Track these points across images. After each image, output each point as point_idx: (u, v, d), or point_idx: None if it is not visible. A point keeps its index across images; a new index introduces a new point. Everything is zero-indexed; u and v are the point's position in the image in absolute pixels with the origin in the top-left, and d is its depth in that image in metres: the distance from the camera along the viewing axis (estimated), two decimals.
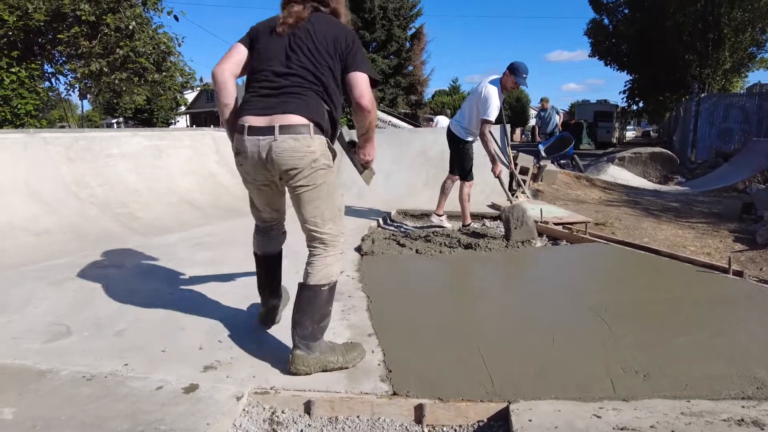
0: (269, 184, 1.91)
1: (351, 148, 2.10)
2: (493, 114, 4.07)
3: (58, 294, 2.61)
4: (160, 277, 2.92)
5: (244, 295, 2.58)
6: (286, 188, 1.91)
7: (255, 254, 2.27)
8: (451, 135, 4.46)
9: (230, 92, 1.88)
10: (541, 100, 11.38)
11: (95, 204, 4.19)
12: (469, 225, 4.42)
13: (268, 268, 2.28)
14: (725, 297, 2.62)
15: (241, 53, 1.90)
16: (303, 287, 1.85)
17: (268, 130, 1.71)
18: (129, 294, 2.59)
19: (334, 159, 1.87)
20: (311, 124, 1.74)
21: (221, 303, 2.52)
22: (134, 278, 2.90)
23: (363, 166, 2.08)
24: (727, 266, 2.96)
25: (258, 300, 2.29)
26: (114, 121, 43.06)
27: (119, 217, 4.19)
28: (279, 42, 1.83)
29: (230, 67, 1.88)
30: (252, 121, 1.74)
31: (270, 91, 1.78)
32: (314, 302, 1.81)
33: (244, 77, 1.92)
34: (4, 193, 3.69)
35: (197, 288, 2.73)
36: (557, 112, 11.41)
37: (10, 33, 7.47)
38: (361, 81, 1.80)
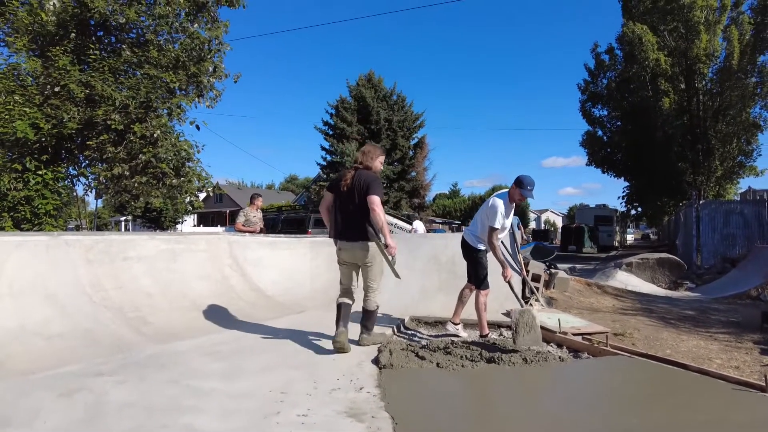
0: (351, 266, 3.98)
1: (384, 247, 3.73)
2: (498, 222, 4.22)
3: (67, 407, 2.48)
4: (173, 391, 2.79)
5: (263, 413, 2.45)
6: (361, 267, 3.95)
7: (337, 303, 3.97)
8: (464, 243, 4.56)
9: (327, 219, 4.08)
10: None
11: (108, 307, 4.15)
12: (487, 335, 4.32)
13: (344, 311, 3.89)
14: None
15: (328, 198, 4.01)
16: (366, 310, 4.02)
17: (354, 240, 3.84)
18: (141, 410, 2.47)
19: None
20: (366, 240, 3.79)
21: (236, 421, 2.38)
22: (146, 391, 2.77)
23: (392, 257, 3.79)
24: (764, 384, 2.84)
25: None
26: (123, 219, 44.07)
27: (131, 321, 4.13)
28: (344, 194, 3.82)
29: (325, 205, 4.03)
30: (343, 236, 3.86)
31: (345, 221, 3.86)
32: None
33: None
34: (21, 295, 3.67)
35: (213, 405, 2.60)
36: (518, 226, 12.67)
37: (44, 139, 7.93)
38: (373, 198, 3.67)
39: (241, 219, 8.29)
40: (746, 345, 4.60)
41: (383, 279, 4.09)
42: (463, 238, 4.60)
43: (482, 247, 4.44)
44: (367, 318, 4.02)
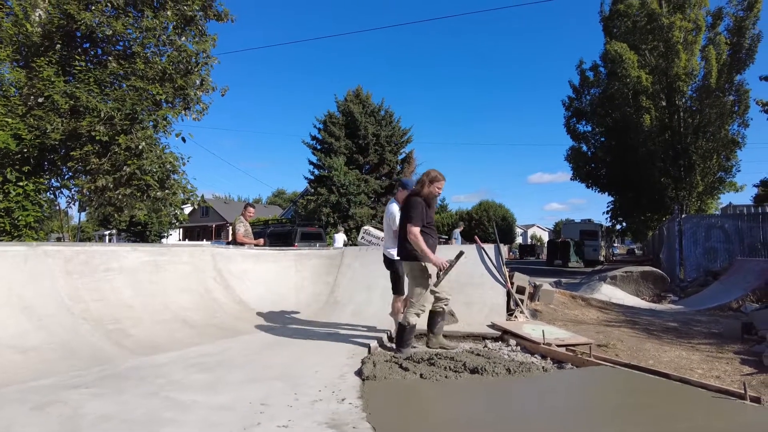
0: None
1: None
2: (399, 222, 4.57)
3: (41, 420, 2.42)
4: (153, 403, 2.74)
5: (243, 425, 2.41)
6: None
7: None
8: (384, 260, 4.86)
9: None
10: (459, 223, 13.87)
11: (87, 319, 4.07)
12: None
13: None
14: (748, 425, 2.50)
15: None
16: (432, 312, 4.28)
17: None
18: (119, 423, 2.41)
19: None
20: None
21: None
22: (125, 404, 2.71)
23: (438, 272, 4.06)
24: (743, 392, 2.87)
25: None
26: (107, 233, 43.45)
27: (111, 333, 4.05)
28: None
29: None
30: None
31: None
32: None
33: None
34: None
35: (192, 417, 2.55)
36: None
37: (25, 150, 7.82)
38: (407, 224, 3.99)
39: (241, 229, 7.59)
40: (727, 355, 4.65)
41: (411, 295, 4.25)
42: (383, 255, 4.88)
43: (397, 256, 4.64)
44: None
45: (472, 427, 2.61)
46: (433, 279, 4.09)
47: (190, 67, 9.38)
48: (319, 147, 28.06)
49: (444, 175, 4.24)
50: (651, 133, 20.32)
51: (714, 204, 23.78)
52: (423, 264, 4.05)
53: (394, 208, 4.71)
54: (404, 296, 4.73)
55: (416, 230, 3.95)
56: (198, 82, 9.61)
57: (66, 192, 9.43)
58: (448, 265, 4.03)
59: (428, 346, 4.32)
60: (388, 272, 5.04)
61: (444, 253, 4.41)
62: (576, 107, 25.85)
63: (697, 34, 19.89)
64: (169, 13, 9.00)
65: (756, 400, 2.84)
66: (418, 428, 2.55)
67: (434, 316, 4.31)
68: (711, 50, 19.39)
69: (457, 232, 16.29)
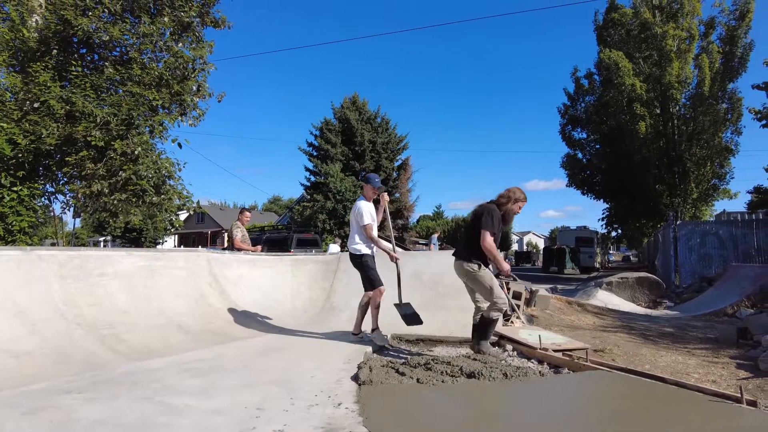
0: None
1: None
2: (368, 218, 4.75)
3: (32, 425, 2.39)
4: (147, 408, 2.71)
5: (238, 429, 2.39)
6: None
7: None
8: (351, 257, 4.92)
9: None
10: (436, 228, 15.41)
11: (81, 324, 4.04)
12: (360, 335, 4.85)
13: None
14: (744, 428, 2.50)
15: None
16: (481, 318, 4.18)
17: None
18: (112, 428, 2.38)
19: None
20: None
21: None
22: (118, 409, 2.68)
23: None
24: (740, 395, 2.87)
25: None
26: (102, 239, 43.24)
27: (105, 339, 4.02)
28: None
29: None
30: None
31: None
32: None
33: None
34: None
35: (186, 422, 2.52)
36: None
37: (20, 155, 7.79)
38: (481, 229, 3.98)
39: (238, 234, 7.50)
40: (723, 360, 4.66)
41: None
42: (349, 253, 4.95)
43: (365, 251, 4.78)
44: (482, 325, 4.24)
45: (464, 426, 2.60)
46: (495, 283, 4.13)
47: (186, 73, 9.39)
48: (315, 153, 28.07)
49: (527, 197, 4.25)
50: (646, 140, 20.46)
51: (708, 211, 23.93)
52: (488, 268, 4.10)
53: (362, 205, 4.78)
54: (373, 291, 4.76)
55: (490, 238, 3.95)
56: (195, 88, 9.62)
57: (61, 197, 9.39)
58: (512, 275, 4.18)
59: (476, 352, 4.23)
60: (385, 278, 5.04)
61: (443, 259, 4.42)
62: (571, 114, 26.03)
63: (690, 42, 20.11)
64: (166, 19, 9.02)
65: (752, 403, 2.84)
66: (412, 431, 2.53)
67: (489, 323, 4.23)
68: (704, 59, 19.59)
69: (434, 237, 17.46)
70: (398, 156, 29.69)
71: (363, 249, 4.80)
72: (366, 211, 4.77)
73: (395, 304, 4.82)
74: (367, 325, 4.88)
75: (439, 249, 15.89)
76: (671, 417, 2.74)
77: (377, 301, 4.76)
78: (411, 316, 4.69)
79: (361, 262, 4.79)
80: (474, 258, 4.04)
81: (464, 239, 4.25)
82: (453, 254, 4.31)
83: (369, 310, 4.84)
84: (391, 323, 5.44)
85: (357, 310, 4.96)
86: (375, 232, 4.81)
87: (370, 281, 4.76)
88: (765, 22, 78.92)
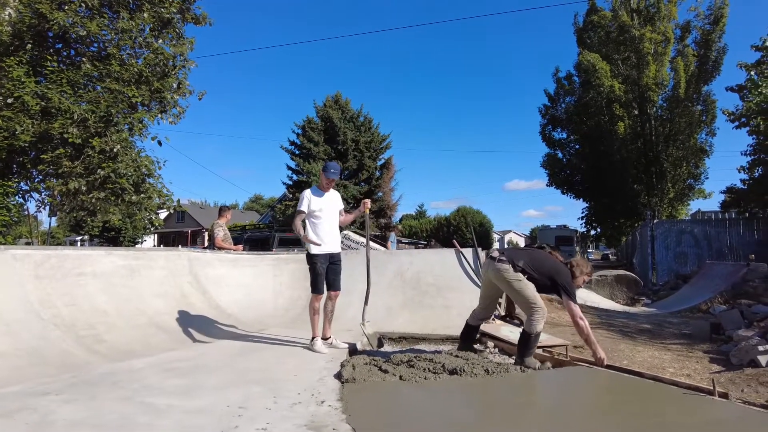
0: None
1: None
2: (302, 206, 4.52)
3: (8, 427, 2.33)
4: (127, 408, 2.67)
5: (220, 428, 2.37)
6: None
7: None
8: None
9: None
10: (392, 227, 16.72)
11: (58, 325, 3.95)
12: (314, 338, 4.46)
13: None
14: (717, 420, 2.58)
15: None
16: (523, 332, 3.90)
17: None
18: (90, 428, 2.35)
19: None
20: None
21: None
22: (97, 409, 2.64)
23: None
24: (712, 388, 2.96)
25: None
26: (78, 238, 42.29)
27: (84, 339, 3.94)
28: None
29: None
30: None
31: None
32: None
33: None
34: None
35: (168, 421, 2.50)
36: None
37: None
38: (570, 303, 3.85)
39: (220, 233, 7.32)
40: (697, 354, 4.79)
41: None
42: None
43: (313, 251, 4.50)
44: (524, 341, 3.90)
45: (451, 426, 2.63)
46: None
47: (167, 69, 9.26)
48: (297, 152, 27.91)
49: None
50: (624, 140, 20.87)
51: (684, 210, 24.51)
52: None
53: (304, 192, 4.62)
54: (331, 293, 4.65)
55: (577, 310, 3.79)
56: (175, 85, 9.49)
57: (36, 195, 9.16)
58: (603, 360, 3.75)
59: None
60: (365, 276, 5.03)
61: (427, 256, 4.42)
62: (552, 115, 26.35)
63: (666, 45, 20.57)
64: (145, 15, 8.88)
65: (724, 396, 2.93)
66: (399, 429, 2.55)
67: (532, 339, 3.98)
68: (680, 61, 20.07)
69: (393, 235, 19.00)
70: (381, 155, 29.70)
71: (312, 249, 4.52)
72: (304, 198, 4.53)
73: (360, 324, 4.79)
74: (345, 325, 4.86)
75: (397, 248, 16.67)
76: (648, 410, 2.81)
77: (315, 306, 4.47)
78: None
79: (309, 264, 4.56)
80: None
81: (535, 272, 3.92)
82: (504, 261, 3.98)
83: (325, 314, 4.64)
84: (373, 322, 5.46)
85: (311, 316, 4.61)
86: (300, 222, 4.52)
87: (311, 283, 4.53)
88: (738, 27, 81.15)
